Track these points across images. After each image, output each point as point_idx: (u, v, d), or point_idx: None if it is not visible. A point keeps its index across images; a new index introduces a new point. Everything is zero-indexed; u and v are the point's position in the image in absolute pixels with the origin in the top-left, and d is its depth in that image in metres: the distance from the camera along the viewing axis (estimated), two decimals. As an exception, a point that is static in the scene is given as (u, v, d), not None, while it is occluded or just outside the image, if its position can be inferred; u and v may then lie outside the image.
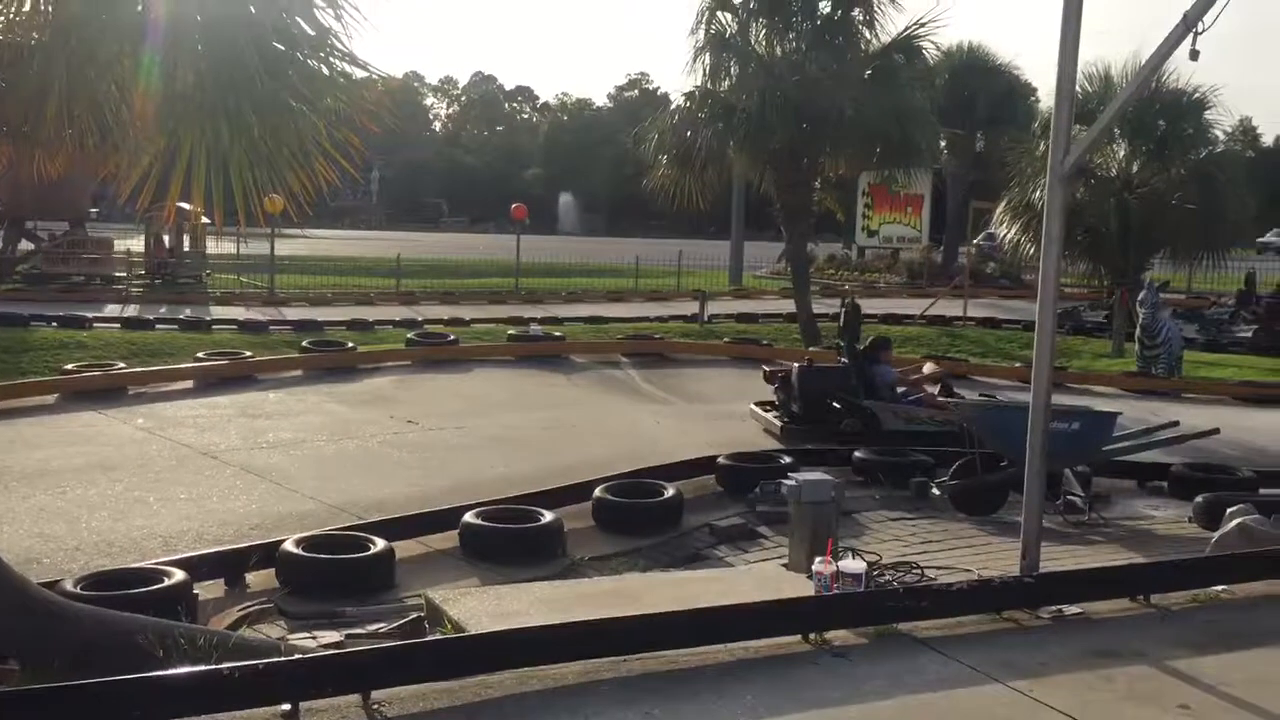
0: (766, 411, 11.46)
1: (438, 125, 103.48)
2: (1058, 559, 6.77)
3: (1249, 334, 20.49)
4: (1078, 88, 8.16)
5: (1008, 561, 6.47)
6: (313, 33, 5.09)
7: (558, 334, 17.64)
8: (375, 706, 4.07)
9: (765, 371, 12.15)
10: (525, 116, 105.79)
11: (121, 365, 13.31)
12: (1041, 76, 43.96)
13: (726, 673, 4.54)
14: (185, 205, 6.79)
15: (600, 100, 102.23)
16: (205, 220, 26.98)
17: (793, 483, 6.43)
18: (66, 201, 26.09)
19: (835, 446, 9.65)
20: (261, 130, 5.12)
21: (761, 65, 17.45)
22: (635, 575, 6.62)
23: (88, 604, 4.93)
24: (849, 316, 11.57)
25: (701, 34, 17.59)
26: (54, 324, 17.02)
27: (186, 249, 26.45)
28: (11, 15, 5.25)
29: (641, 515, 7.74)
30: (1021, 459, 5.87)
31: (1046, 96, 27.76)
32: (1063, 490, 8.25)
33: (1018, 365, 15.90)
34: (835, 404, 10.70)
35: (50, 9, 4.98)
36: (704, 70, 17.62)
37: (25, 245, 27.72)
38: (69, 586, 5.39)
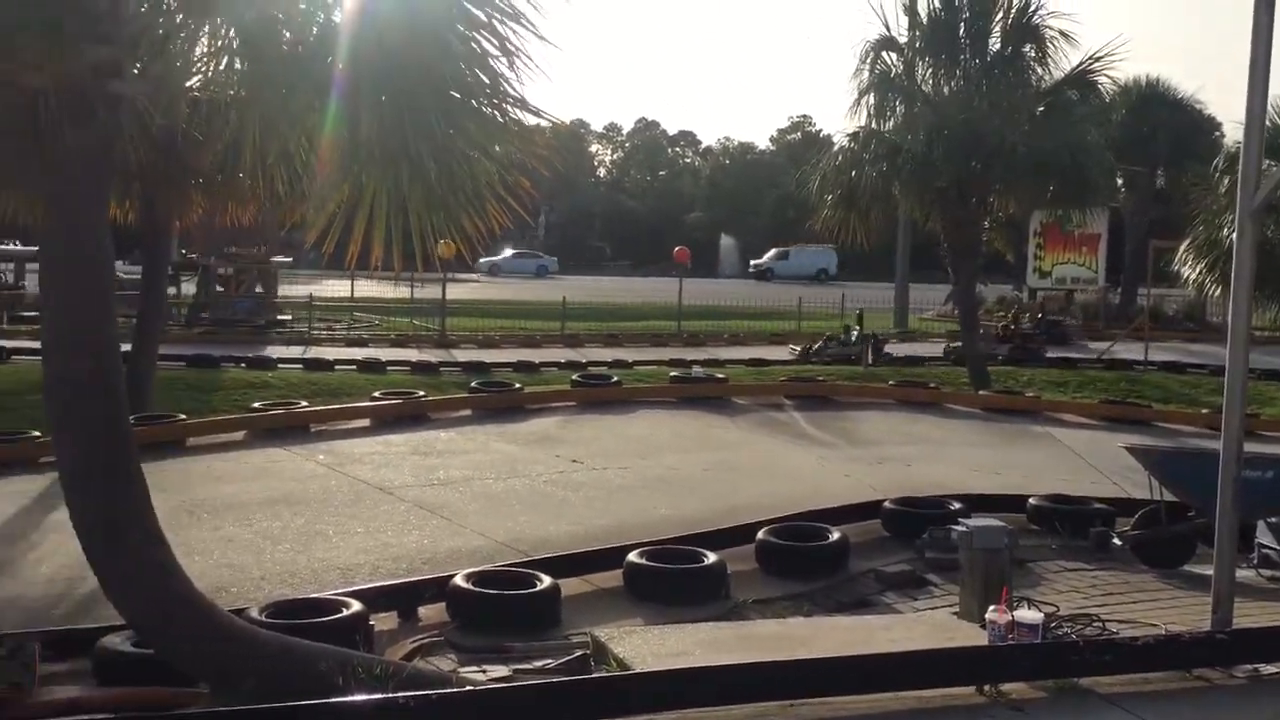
0: None
1: (602, 171, 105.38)
2: (1250, 615, 6.38)
3: None
4: (1268, 120, 7.78)
5: (1195, 617, 6.14)
6: (487, 81, 5.26)
7: (720, 376, 17.62)
8: (544, 741, 4.12)
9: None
10: (688, 161, 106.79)
11: (304, 404, 13.90)
12: (1226, 109, 42.08)
13: (897, 722, 4.43)
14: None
15: (762, 143, 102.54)
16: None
17: (964, 529, 6.26)
18: (254, 248, 27.53)
19: (1009, 494, 9.34)
20: (438, 176, 5.31)
21: (928, 104, 17.24)
22: (800, 620, 6.53)
23: (273, 631, 5.13)
24: None
25: (866, 74, 17.51)
26: (242, 364, 17.94)
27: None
28: (209, 73, 5.58)
29: (806, 559, 7.64)
30: (1210, 509, 5.58)
31: (1233, 130, 26.55)
32: (1256, 543, 7.79)
33: (1204, 411, 15.14)
34: None
35: (245, 66, 5.27)
36: (868, 110, 17.51)
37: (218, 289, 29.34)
38: (255, 614, 5.62)
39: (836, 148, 18.36)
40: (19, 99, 4.58)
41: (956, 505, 8.58)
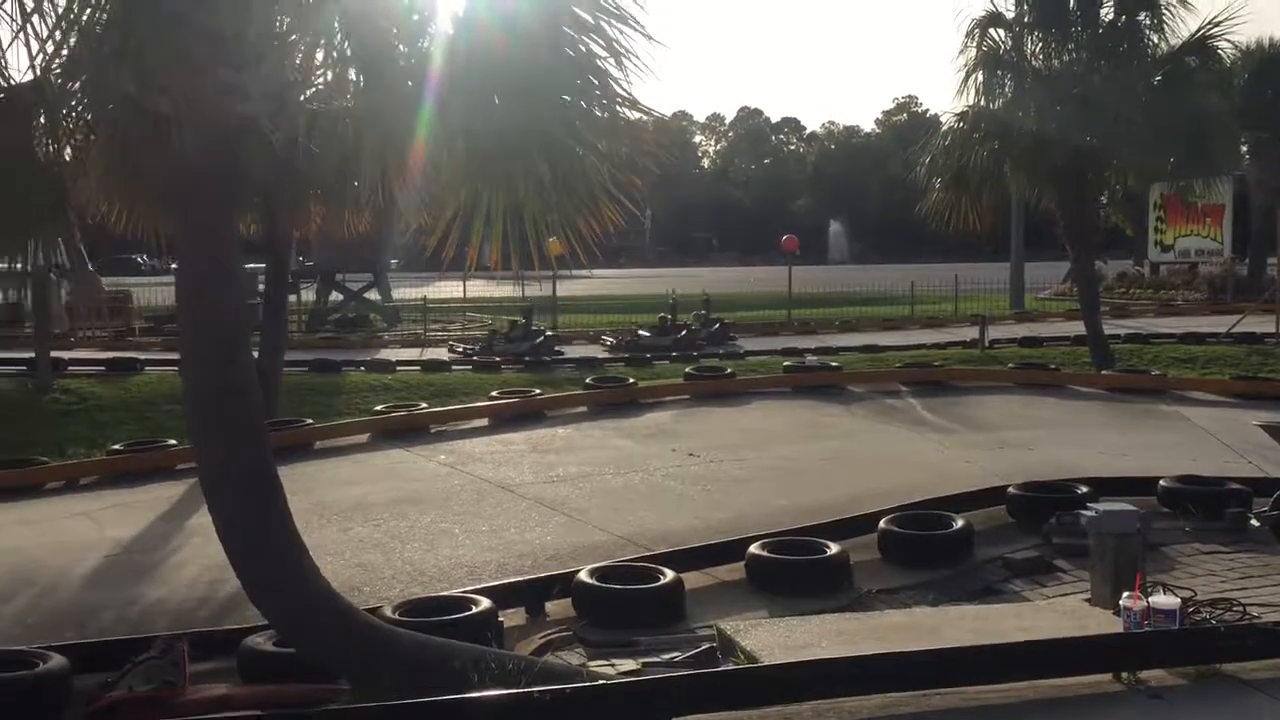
0: None
1: (706, 162, 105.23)
2: (1406, 597, 6.12)
3: None
4: None
5: (1345, 599, 5.90)
6: (596, 82, 5.32)
7: (834, 364, 17.51)
8: (677, 733, 4.16)
9: None
10: (792, 148, 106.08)
11: (424, 405, 14.20)
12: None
13: (1033, 710, 4.36)
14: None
15: (868, 126, 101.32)
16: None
17: (1093, 513, 6.11)
18: (370, 254, 28.22)
19: (1138, 476, 9.08)
20: (552, 179, 5.39)
21: (1038, 79, 16.82)
22: (927, 609, 6.46)
23: (407, 629, 5.27)
24: None
25: (972, 52, 17.15)
26: (362, 368, 18.41)
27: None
28: (324, 86, 5.74)
29: (929, 547, 7.54)
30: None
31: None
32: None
33: (1343, 385, 14.50)
34: None
35: (361, 79, 5.41)
36: (976, 89, 17.15)
37: (335, 296, 30.20)
38: (388, 613, 5.78)
39: (944, 128, 18.03)
40: (152, 122, 4.78)
41: (1084, 489, 8.39)
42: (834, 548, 7.15)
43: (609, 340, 23.01)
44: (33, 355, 16.45)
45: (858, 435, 12.75)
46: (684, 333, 22.65)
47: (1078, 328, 19.46)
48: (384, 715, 4.13)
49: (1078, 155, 16.19)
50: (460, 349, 21.63)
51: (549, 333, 22.74)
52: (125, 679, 5.08)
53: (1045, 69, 17.06)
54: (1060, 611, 6.06)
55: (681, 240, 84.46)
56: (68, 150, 5.49)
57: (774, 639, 5.29)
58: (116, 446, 11.85)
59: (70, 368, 17.04)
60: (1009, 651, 4.65)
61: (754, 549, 7.14)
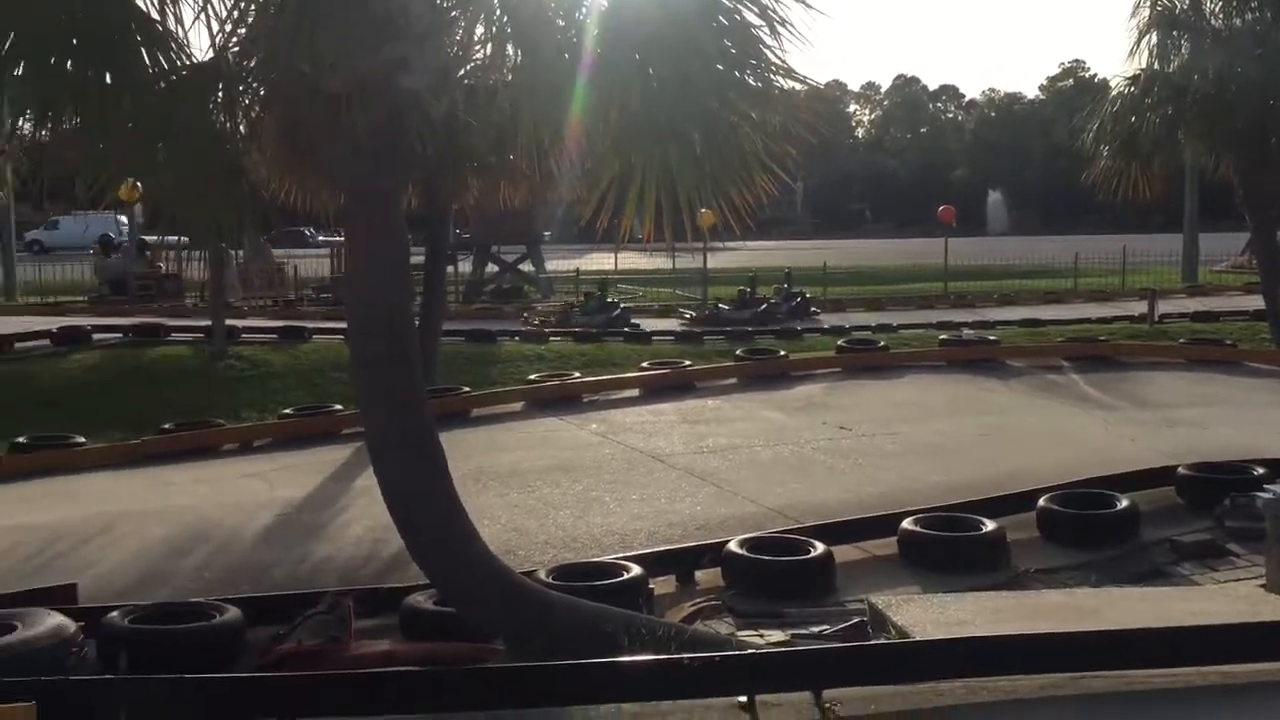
0: None
1: (860, 131, 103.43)
2: None
3: None
4: None
5: None
6: (751, 52, 5.28)
7: (991, 337, 17.06)
8: (827, 705, 4.14)
9: None
10: (950, 116, 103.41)
11: (577, 375, 14.42)
12: None
13: (1201, 698, 4.19)
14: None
15: (1031, 93, 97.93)
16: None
17: (1271, 495, 5.82)
18: (524, 226, 28.70)
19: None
20: (705, 149, 5.38)
21: (1217, 40, 15.93)
22: (1088, 590, 6.26)
23: (560, 593, 5.39)
24: None
25: (1145, 13, 16.34)
26: (516, 338, 18.77)
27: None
28: (482, 59, 5.85)
29: (1092, 527, 7.30)
30: None
31: None
32: None
33: None
34: None
35: (519, 52, 5.48)
36: (1149, 51, 16.34)
37: (490, 268, 30.84)
38: (542, 576, 5.92)
39: (1114, 93, 17.25)
40: (323, 99, 4.96)
41: (1260, 470, 7.99)
42: (990, 525, 6.99)
43: (687, 314, 22.95)
44: (209, 324, 17.31)
45: (1016, 411, 12.41)
46: (764, 306, 22.38)
47: (1256, 302, 18.46)
48: (541, 675, 4.23)
49: (1259, 119, 15.31)
50: (535, 321, 21.97)
51: (625, 306, 23.09)
52: (295, 633, 5.33)
53: (1225, 29, 16.15)
54: (1233, 596, 5.81)
55: (835, 211, 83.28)
56: (242, 127, 5.73)
57: (927, 615, 5.21)
58: (287, 411, 12.41)
59: (243, 335, 17.85)
60: (1178, 635, 4.48)
61: (907, 524, 7.03)
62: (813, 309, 23.30)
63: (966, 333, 17.52)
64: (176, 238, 6.61)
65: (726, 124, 5.37)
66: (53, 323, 18.82)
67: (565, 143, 5.96)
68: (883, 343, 16.63)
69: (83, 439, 11.00)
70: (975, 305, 24.63)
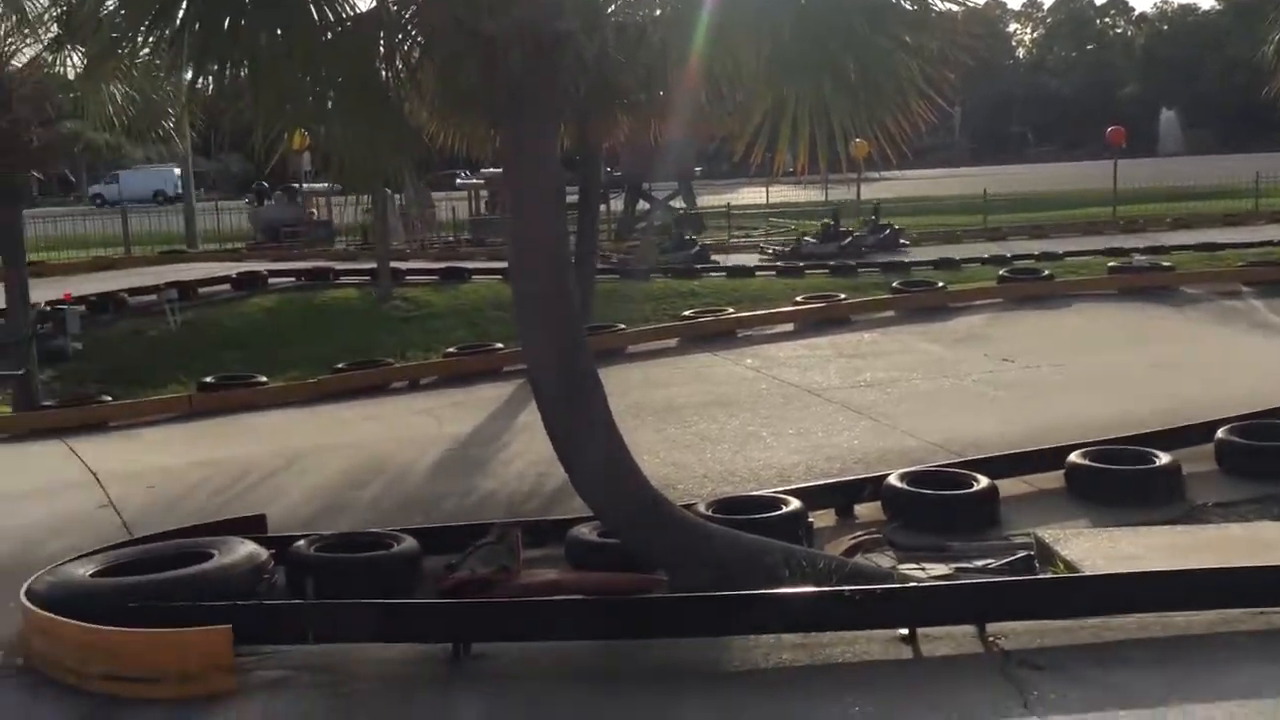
0: None
1: (1021, 51, 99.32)
2: None
3: None
4: None
5: None
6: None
7: (1165, 264, 16.33)
8: (990, 639, 4.12)
9: None
10: (1119, 31, 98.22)
11: (731, 310, 14.42)
12: None
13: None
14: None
15: (1206, 3, 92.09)
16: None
17: None
18: (675, 163, 28.59)
19: None
20: (859, 77, 5.28)
21: None
22: (1270, 523, 6.01)
23: (720, 525, 5.46)
24: None
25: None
26: (669, 274, 18.84)
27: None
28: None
29: (1276, 459, 6.98)
30: None
31: None
32: None
33: None
34: None
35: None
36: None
37: (641, 205, 30.89)
38: (702, 509, 5.99)
39: (1301, -1, 16.14)
40: (478, 43, 5.05)
41: None
42: (1164, 457, 6.75)
43: (770, 250, 22.63)
44: (375, 267, 17.89)
45: (1191, 340, 11.90)
46: (849, 240, 21.68)
47: None
48: (705, 606, 4.32)
49: None
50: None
51: (704, 243, 22.91)
52: (467, 561, 5.54)
53: None
54: None
55: (995, 136, 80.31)
56: (403, 74, 5.88)
57: (1096, 549, 5.10)
58: (450, 350, 12.79)
59: (407, 277, 18.40)
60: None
61: (1074, 457, 6.85)
62: (901, 241, 22.59)
63: (1137, 259, 16.81)
64: (334, 186, 6.83)
65: (881, 50, 5.25)
66: (232, 269, 19.73)
67: (715, 76, 5.94)
68: (1047, 271, 16.11)
69: (264, 378, 11.59)
70: (1146, 230, 23.58)
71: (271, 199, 28.69)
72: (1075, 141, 70.50)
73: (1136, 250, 18.54)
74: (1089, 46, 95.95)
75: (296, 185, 27.58)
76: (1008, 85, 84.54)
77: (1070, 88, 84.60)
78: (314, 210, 27.55)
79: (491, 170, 23.41)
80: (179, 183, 35.32)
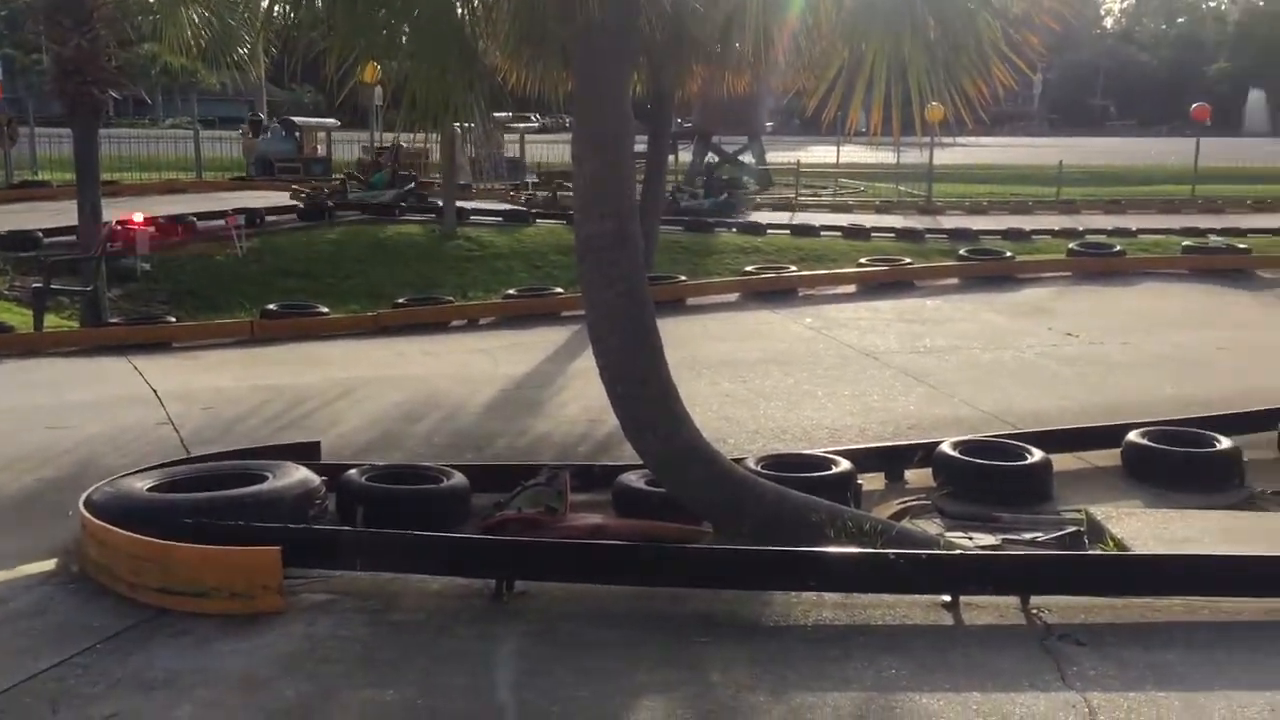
0: None
1: (1109, 21, 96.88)
2: None
3: None
4: None
5: None
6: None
7: (1241, 246, 15.94)
8: (1034, 611, 4.09)
9: None
10: (1212, 4, 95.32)
11: (793, 269, 14.32)
12: None
13: None
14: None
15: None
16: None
17: None
18: (746, 117, 28.32)
19: None
20: (940, 36, 5.17)
21: None
22: (1332, 516, 5.89)
23: (769, 481, 5.45)
24: None
25: None
26: (733, 229, 18.73)
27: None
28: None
29: (1341, 451, 6.83)
30: None
31: None
32: None
33: None
34: None
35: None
36: None
37: (710, 158, 30.66)
38: (752, 465, 5.98)
39: None
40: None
41: None
42: (1225, 442, 6.62)
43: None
44: (440, 205, 17.97)
45: (1263, 325, 11.64)
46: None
47: None
48: (749, 559, 4.33)
49: None
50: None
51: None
52: (514, 501, 5.60)
53: None
54: None
55: (1075, 107, 78.51)
56: (479, 11, 5.86)
57: (1148, 529, 5.03)
58: (510, 291, 12.85)
59: (472, 217, 18.47)
60: None
61: (1133, 436, 6.75)
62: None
63: (1213, 240, 16.43)
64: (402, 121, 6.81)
65: (964, 9, 5.14)
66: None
67: (793, 29, 5.84)
68: (1118, 247, 15.80)
69: (325, 309, 11.72)
70: (1225, 211, 23.03)
71: (268, 131, 28.02)
72: (1158, 117, 68.83)
73: (1213, 231, 18.13)
74: (1180, 20, 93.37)
75: (294, 119, 27.21)
76: (1093, 55, 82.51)
77: (1157, 61, 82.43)
78: (317, 146, 27.13)
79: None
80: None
